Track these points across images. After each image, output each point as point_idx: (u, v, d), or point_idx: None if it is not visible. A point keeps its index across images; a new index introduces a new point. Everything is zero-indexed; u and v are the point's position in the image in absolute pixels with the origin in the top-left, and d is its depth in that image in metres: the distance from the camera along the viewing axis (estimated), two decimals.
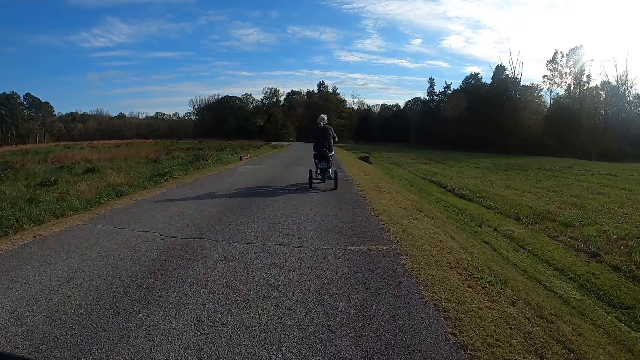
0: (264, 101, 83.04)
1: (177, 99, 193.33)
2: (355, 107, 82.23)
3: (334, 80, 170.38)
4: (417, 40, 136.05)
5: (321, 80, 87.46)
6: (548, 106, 53.78)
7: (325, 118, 9.35)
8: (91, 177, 13.38)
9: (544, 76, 55.26)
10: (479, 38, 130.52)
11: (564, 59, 54.18)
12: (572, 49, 53.86)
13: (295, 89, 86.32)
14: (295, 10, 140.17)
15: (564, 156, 42.09)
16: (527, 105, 51.51)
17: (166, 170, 13.74)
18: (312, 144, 9.29)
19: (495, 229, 9.45)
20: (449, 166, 25.55)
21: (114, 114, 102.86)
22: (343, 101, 79.23)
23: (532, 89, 54.39)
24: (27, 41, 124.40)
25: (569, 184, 19.10)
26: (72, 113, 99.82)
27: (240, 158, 21.36)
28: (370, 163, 23.41)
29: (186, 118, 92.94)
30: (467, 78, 57.19)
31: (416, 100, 75.38)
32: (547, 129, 49.51)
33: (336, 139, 9.29)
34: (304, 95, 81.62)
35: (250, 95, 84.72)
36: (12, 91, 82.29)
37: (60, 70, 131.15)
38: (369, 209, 6.34)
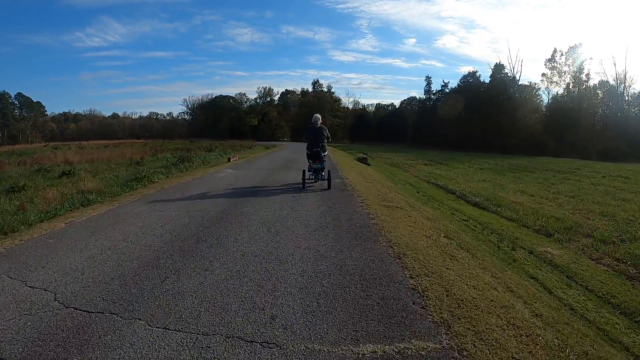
0: (257, 100, 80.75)
1: (171, 99, 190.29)
2: (351, 107, 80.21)
3: (328, 80, 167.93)
4: (411, 40, 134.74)
5: (316, 78, 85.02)
6: (547, 105, 51.90)
7: (320, 118, 9.05)
8: (64, 182, 11.90)
9: (543, 74, 53.49)
10: (473, 38, 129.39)
11: (563, 58, 52.45)
12: (571, 47, 52.10)
13: (290, 88, 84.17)
14: (289, 10, 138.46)
15: (564, 156, 40.42)
16: (526, 105, 49.58)
17: (143, 174, 11.92)
18: (305, 144, 8.97)
19: (531, 252, 7.50)
20: (452, 168, 23.61)
21: (108, 114, 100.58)
22: (338, 100, 76.97)
23: (531, 88, 52.52)
24: (20, 41, 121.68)
25: (584, 187, 17.31)
26: (64, 113, 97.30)
27: (229, 160, 19.38)
28: (369, 165, 21.43)
29: (180, 118, 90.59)
30: (465, 77, 55.07)
31: (412, 99, 73.51)
32: (546, 128, 47.70)
33: (330, 139, 9.00)
34: (298, 95, 79.29)
35: (244, 94, 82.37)
36: (4, 91, 79.38)
37: (54, 70, 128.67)
38: (384, 242, 4.30)
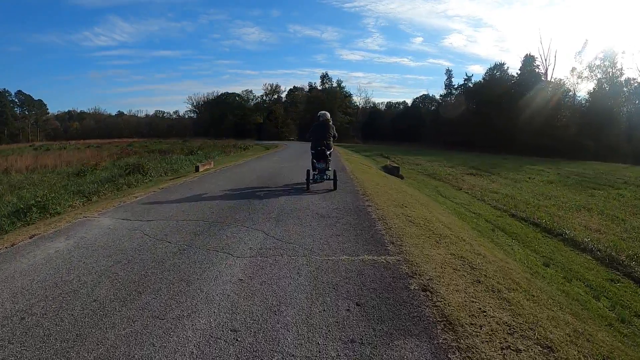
0: (264, 98, 73.52)
1: (179, 97, 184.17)
2: (362, 104, 72.01)
3: (337, 78, 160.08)
4: (419, 39, 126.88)
5: (324, 72, 75.87)
6: (582, 102, 43.90)
7: (328, 115, 7.92)
8: None
9: (573, 69, 45.70)
10: (481, 37, 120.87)
11: (594, 52, 44.65)
12: (601, 40, 44.27)
13: (298, 85, 76.32)
14: (295, 9, 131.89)
15: (604, 159, 33.24)
16: (561, 101, 41.90)
17: (38, 200, 7.58)
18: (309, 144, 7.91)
19: None
20: (510, 180, 16.60)
21: (114, 112, 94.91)
22: (349, 96, 68.02)
23: (563, 83, 44.55)
24: (27, 40, 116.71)
25: None
26: (69, 111, 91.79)
27: (196, 169, 12.75)
28: (401, 177, 14.55)
29: (186, 117, 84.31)
30: (491, 69, 46.97)
31: (425, 97, 65.76)
32: (582, 128, 40.17)
33: (336, 137, 7.95)
34: (306, 91, 71.12)
35: (251, 91, 74.97)
36: (4, 89, 73.51)
37: (61, 69, 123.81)
38: None
